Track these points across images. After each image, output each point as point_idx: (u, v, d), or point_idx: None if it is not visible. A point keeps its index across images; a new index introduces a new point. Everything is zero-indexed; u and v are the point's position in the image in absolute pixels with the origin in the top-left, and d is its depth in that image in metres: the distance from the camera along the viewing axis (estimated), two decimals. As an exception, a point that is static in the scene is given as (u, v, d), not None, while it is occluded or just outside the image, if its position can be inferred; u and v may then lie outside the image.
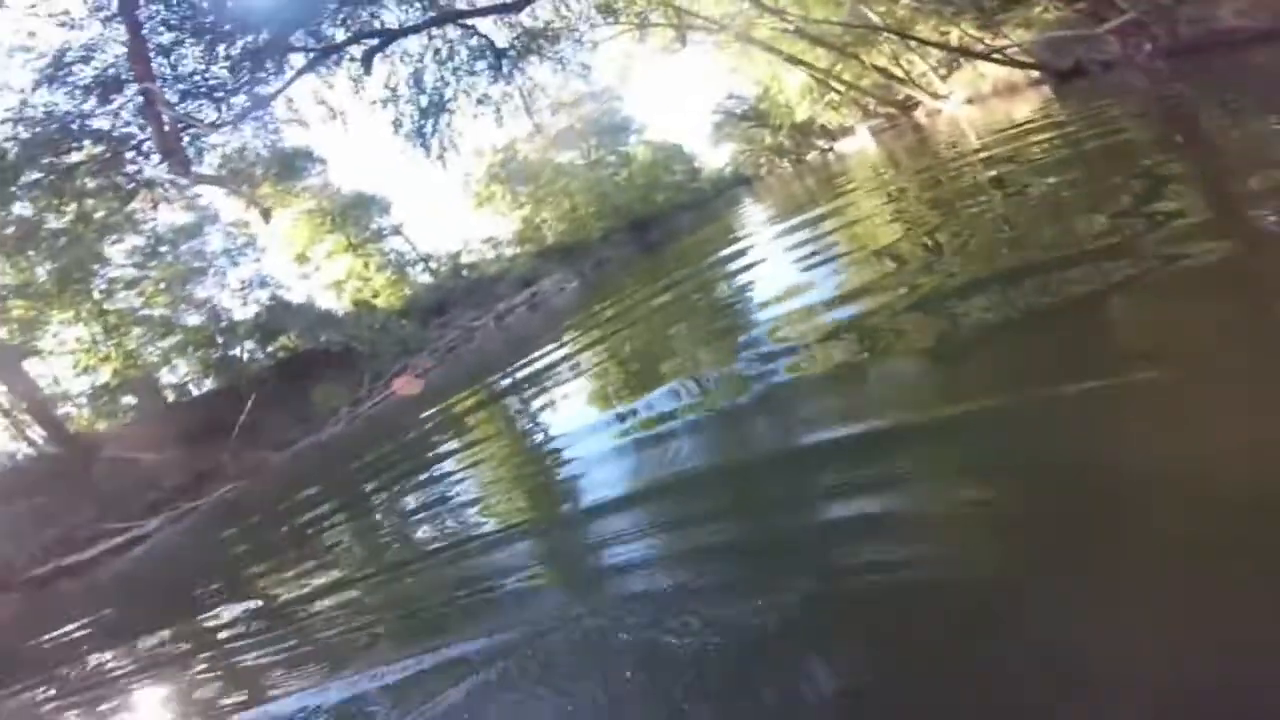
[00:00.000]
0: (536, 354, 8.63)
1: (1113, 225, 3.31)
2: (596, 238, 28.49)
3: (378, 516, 4.95)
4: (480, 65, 20.06)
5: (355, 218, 24.81)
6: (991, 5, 13.92)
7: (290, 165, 21.82)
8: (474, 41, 19.23)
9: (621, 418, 3.94)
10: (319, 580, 3.96)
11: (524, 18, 19.55)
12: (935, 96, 21.06)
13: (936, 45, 18.27)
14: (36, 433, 16.11)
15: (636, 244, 27.24)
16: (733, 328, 4.93)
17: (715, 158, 47.08)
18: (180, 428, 14.97)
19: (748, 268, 7.18)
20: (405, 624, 2.79)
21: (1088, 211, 3.73)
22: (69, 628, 5.72)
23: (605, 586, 2.22)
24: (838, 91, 29.40)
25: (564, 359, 7.34)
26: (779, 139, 41.79)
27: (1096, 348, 2.19)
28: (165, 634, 4.31)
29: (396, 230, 26.04)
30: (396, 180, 45.85)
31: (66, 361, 17.86)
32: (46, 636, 5.79)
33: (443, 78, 19.40)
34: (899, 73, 22.81)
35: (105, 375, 17.68)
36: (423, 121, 19.56)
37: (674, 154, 39.65)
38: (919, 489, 1.88)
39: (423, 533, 4.02)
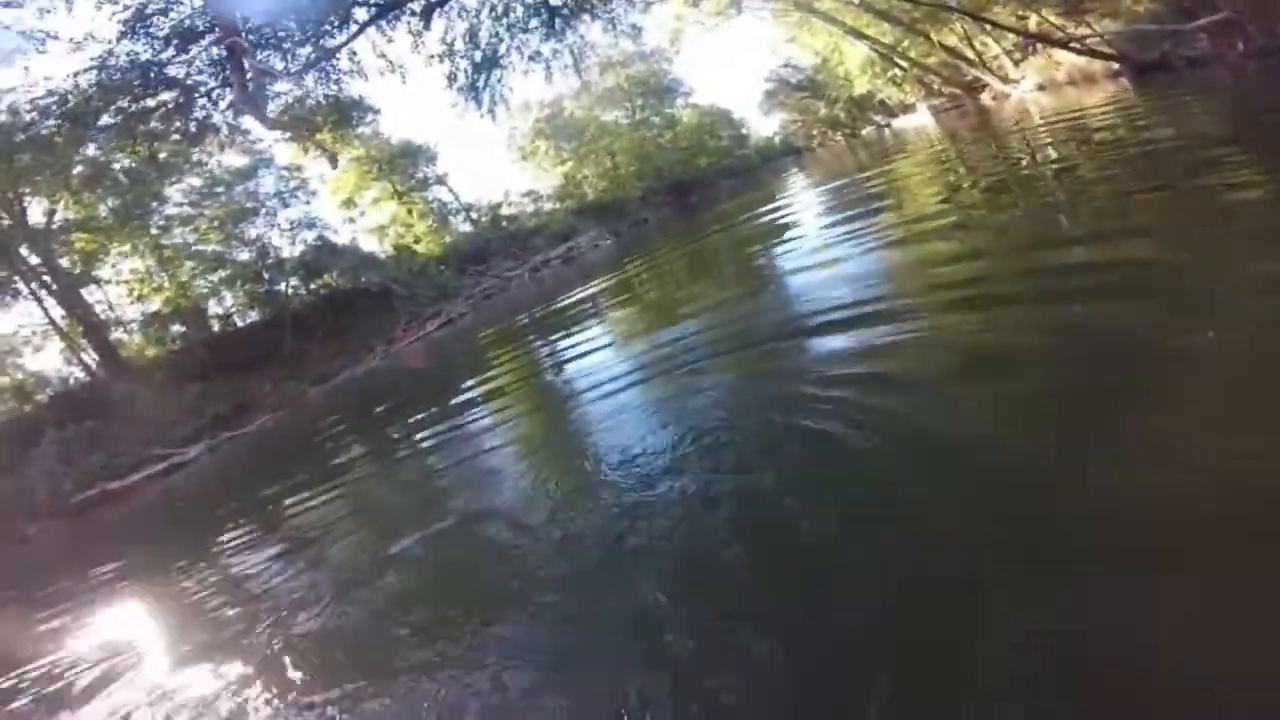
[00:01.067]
0: (563, 301, 9.23)
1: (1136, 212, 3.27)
2: (636, 197, 28.26)
3: (401, 451, 5.33)
4: (534, 22, 20.23)
5: (402, 166, 25.09)
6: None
7: (346, 114, 22.11)
8: None
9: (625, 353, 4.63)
10: (339, 510, 4.31)
11: (578, -25, 19.51)
12: (1005, 80, 20.09)
13: (1013, 30, 17.37)
14: (90, 357, 17.07)
15: (676, 205, 26.98)
16: (757, 290, 5.02)
17: (764, 126, 45.82)
18: (224, 357, 15.67)
19: (783, 235, 7.14)
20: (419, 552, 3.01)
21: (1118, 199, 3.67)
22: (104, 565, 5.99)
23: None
24: (901, 68, 28.26)
25: (588, 307, 7.96)
26: (834, 111, 40.41)
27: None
28: (183, 564, 4.66)
29: (441, 180, 26.31)
30: (445, 132, 45.50)
31: (121, 290, 18.78)
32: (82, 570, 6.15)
33: (497, 34, 19.58)
34: (969, 54, 21.77)
35: (157, 304, 18.56)
36: (476, 76, 19.90)
37: (721, 119, 38.70)
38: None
39: (436, 459, 4.52)
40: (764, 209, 10.15)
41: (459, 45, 19.28)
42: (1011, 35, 18.70)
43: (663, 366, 4.05)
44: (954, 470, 1.93)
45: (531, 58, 20.42)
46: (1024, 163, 6.35)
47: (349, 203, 24.79)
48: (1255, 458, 1.52)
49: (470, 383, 6.82)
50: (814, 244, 5.96)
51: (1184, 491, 1.50)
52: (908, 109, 33.67)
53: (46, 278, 17.24)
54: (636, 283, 9.15)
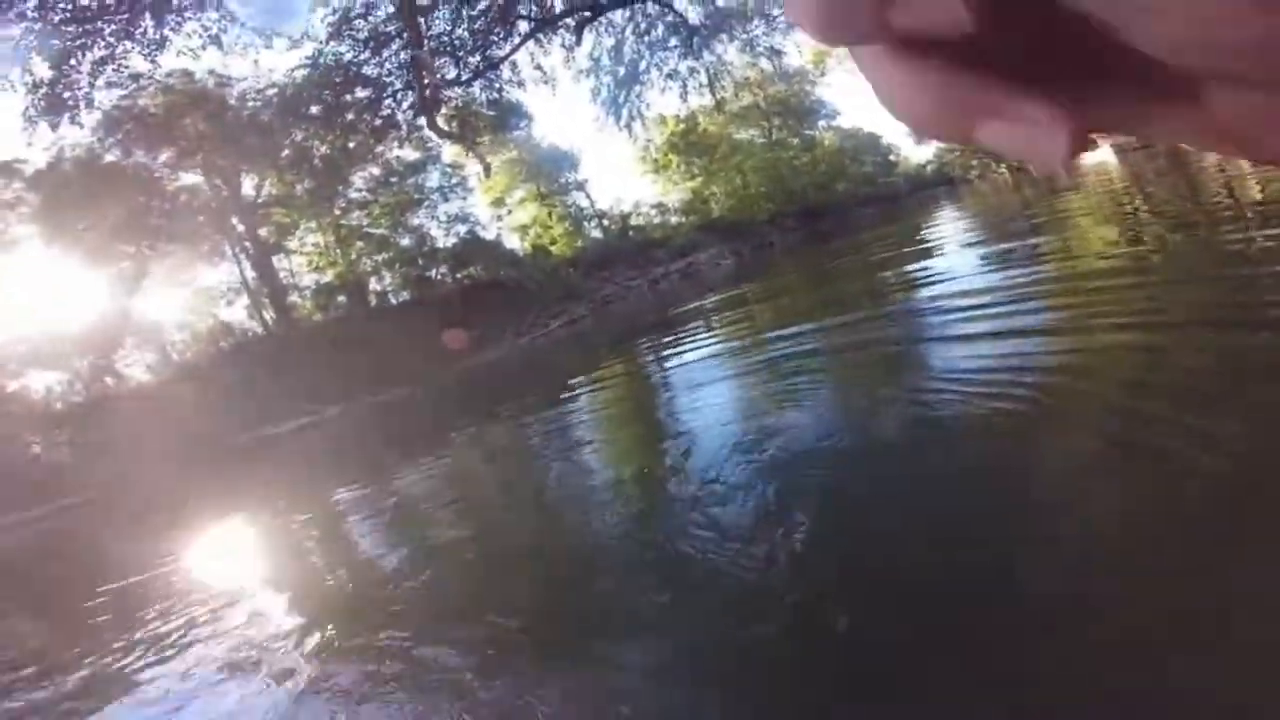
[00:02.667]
0: (677, 314, 9.54)
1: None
2: (763, 219, 27.94)
3: (528, 432, 5.82)
4: (673, 40, 21.48)
5: (548, 171, 26.77)
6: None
7: (505, 119, 24.09)
8: (670, 18, 20.58)
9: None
10: (437, 476, 4.84)
11: (719, -1, 20.52)
12: None
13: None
14: (269, 315, 19.96)
15: (805, 231, 26.29)
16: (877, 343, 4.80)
17: (917, 153, 43.30)
18: (374, 331, 17.63)
19: (921, 279, 6.71)
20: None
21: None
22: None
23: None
24: (1089, 100, 25.75)
25: (698, 324, 8.29)
26: (999, 141, 37.44)
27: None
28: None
29: (580, 186, 27.76)
30: (585, 140, 47.81)
31: (301, 261, 21.82)
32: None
33: (639, 51, 21.05)
34: None
35: (329, 276, 21.35)
36: (617, 91, 21.43)
37: (866, 143, 37.11)
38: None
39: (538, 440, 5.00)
40: (901, 250, 9.66)
41: (604, 61, 20.99)
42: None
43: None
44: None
45: (669, 75, 21.82)
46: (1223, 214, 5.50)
47: (499, 202, 26.90)
48: None
49: (589, 381, 7.34)
50: (952, 289, 5.52)
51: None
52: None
53: (248, 244, 20.44)
54: (752, 304, 9.33)
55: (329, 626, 2.75)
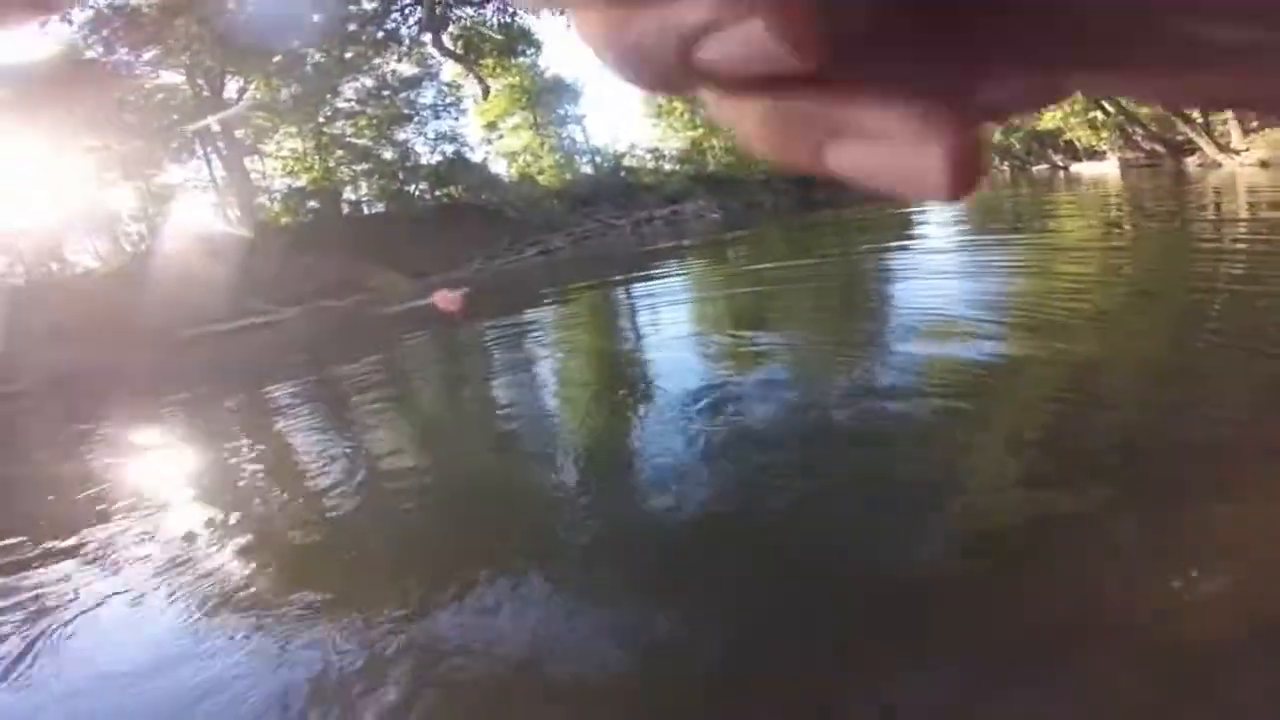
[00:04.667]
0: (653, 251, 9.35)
1: None
2: (758, 179, 27.41)
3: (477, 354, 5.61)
4: None
5: (547, 101, 25.75)
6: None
7: (514, 43, 22.95)
8: None
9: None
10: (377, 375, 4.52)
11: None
12: (1223, 149, 17.48)
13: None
14: (233, 214, 19.15)
15: (796, 196, 25.90)
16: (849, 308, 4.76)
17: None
18: (342, 238, 16.98)
19: (901, 257, 6.74)
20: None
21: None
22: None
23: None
24: (1106, 111, 25.19)
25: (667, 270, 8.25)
26: (1009, 139, 36.94)
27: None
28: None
29: (578, 120, 26.91)
30: (589, 74, 46.09)
31: (276, 165, 20.83)
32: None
33: None
34: (1193, 113, 19.03)
35: (303, 181, 20.44)
36: None
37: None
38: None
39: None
40: (886, 227, 9.56)
41: None
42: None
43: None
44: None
45: None
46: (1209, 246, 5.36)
47: (492, 126, 25.88)
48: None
49: (553, 300, 7.27)
50: (930, 267, 5.52)
51: None
52: (1095, 155, 30.46)
53: (221, 144, 19.43)
54: (732, 256, 9.38)
55: (244, 524, 2.55)
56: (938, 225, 8.99)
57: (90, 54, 16.96)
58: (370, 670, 1.52)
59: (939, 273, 5.11)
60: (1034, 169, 34.97)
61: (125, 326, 12.11)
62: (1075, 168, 30.93)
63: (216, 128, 19.20)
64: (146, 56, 17.64)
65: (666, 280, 6.63)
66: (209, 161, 19.45)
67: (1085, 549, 1.50)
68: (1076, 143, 31.86)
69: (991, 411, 2.40)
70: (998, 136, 38.33)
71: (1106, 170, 25.43)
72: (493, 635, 1.57)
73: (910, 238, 7.98)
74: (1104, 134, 28.38)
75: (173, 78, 18.70)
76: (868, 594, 1.52)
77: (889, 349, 3.33)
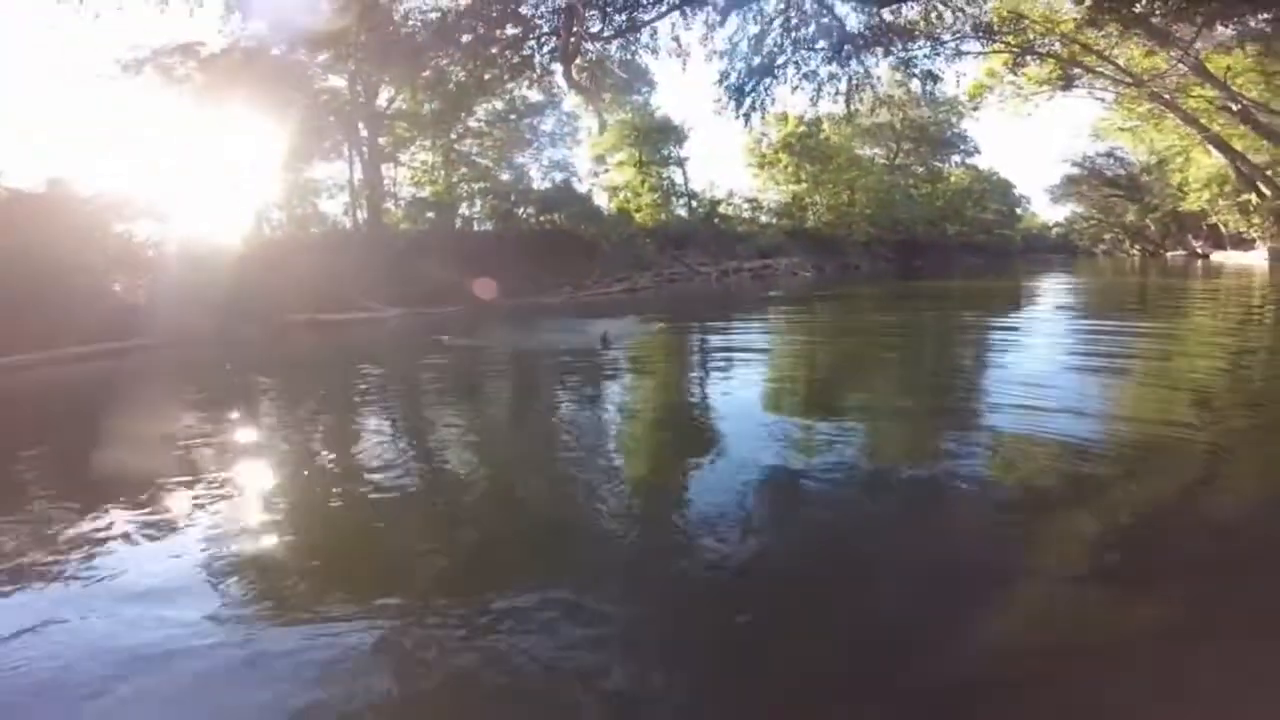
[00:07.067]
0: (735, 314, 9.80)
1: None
2: (859, 240, 26.91)
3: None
4: (822, 43, 19.96)
5: (654, 140, 26.77)
6: None
7: (631, 82, 24.21)
8: (826, 20, 19.17)
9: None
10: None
11: (886, 11, 18.73)
12: None
13: None
14: (361, 215, 21.21)
15: (897, 263, 25.18)
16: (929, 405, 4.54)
17: (1047, 212, 40.33)
18: (451, 252, 18.44)
19: (1001, 350, 6.55)
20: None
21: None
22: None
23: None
24: (1261, 195, 22.95)
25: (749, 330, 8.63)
26: (1145, 220, 34.17)
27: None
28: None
29: (679, 162, 27.63)
30: (696, 117, 46.91)
31: (406, 174, 22.99)
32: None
33: (782, 45, 19.78)
34: None
35: (427, 192, 22.45)
36: (747, 79, 20.48)
37: (996, 189, 34.79)
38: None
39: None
40: (992, 310, 9.13)
41: (743, 47, 20.00)
42: None
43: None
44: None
45: (806, 75, 20.34)
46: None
47: (600, 159, 27.20)
48: None
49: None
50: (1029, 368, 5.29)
51: None
52: (1243, 243, 27.60)
53: (364, 148, 21.72)
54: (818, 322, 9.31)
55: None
56: (1045, 306, 8.50)
57: (275, 51, 19.46)
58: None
59: (1019, 359, 5.16)
60: (1168, 254, 32.14)
61: (246, 303, 13.35)
62: (1216, 256, 28.22)
63: (364, 132, 21.49)
64: (319, 59, 20.13)
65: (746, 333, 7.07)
66: (350, 163, 21.70)
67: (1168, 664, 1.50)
68: (1222, 228, 29.14)
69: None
70: (1130, 216, 35.62)
71: (1254, 261, 23.14)
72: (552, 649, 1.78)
73: (1013, 314, 7.64)
74: (1256, 219, 25.79)
75: (337, 81, 21.21)
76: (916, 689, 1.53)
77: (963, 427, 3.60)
